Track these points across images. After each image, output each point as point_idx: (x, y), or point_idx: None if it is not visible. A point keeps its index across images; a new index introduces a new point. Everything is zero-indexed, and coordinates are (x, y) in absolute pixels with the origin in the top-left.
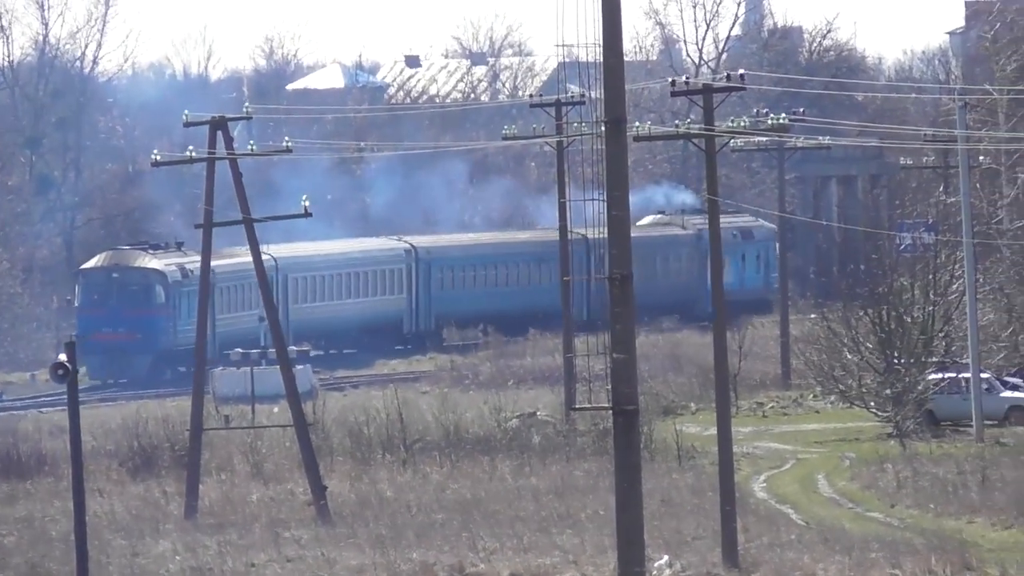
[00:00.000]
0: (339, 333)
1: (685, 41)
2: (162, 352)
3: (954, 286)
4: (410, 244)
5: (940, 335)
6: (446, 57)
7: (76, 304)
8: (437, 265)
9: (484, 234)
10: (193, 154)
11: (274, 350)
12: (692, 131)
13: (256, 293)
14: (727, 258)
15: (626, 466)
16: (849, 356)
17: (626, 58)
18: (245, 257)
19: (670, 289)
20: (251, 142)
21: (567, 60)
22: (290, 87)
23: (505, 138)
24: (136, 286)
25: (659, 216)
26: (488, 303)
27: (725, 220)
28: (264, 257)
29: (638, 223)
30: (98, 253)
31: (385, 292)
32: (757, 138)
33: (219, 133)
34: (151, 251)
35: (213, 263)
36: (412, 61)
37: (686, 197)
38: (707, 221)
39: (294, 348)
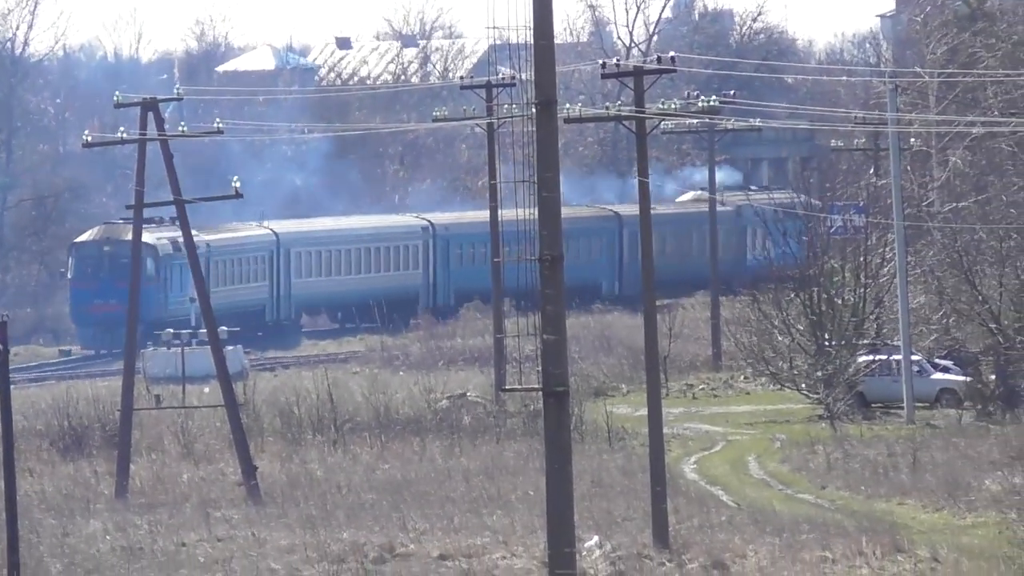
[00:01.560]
0: (350, 307)
1: (616, 23)
2: (153, 322)
3: (885, 269)
4: (428, 221)
5: (871, 317)
6: (377, 39)
7: (69, 276)
8: (456, 241)
9: (505, 211)
10: (124, 135)
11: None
12: (623, 113)
13: (254, 266)
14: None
15: (556, 447)
16: (780, 338)
17: (557, 40)
18: (242, 231)
19: (708, 263)
20: (182, 123)
21: (498, 42)
22: (220, 69)
23: (436, 120)
24: (127, 259)
25: (699, 192)
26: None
27: (768, 196)
28: (264, 231)
29: (677, 199)
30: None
31: (400, 268)
32: (688, 120)
33: (150, 114)
34: (144, 225)
35: (209, 237)
36: (343, 43)
37: (735, 176)
38: (748, 197)
39: (224, 329)
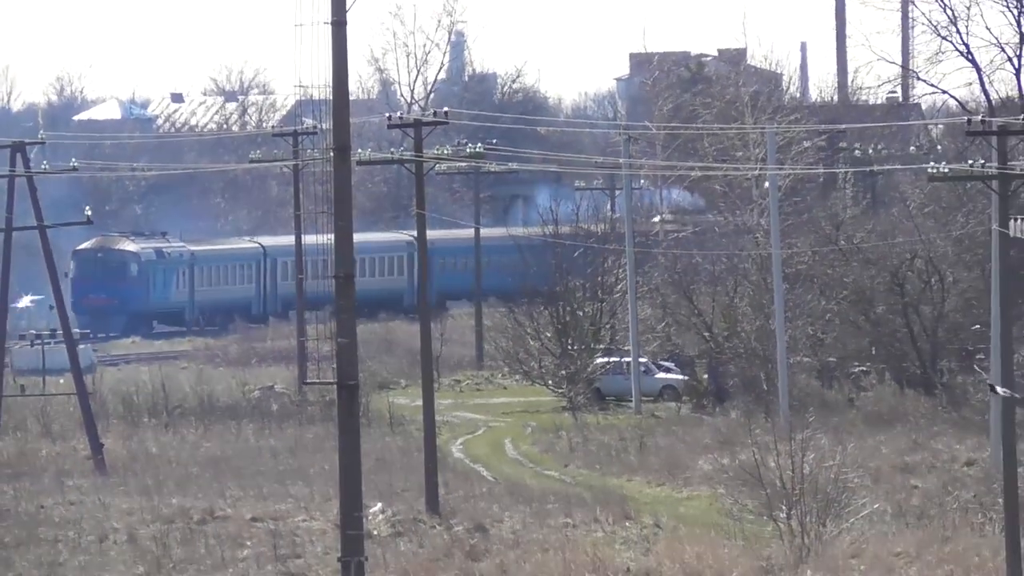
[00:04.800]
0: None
1: (400, 83)
2: (135, 313)
3: (618, 286)
4: (411, 237)
5: (607, 326)
6: (204, 94)
7: (71, 277)
8: (439, 254)
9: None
10: None
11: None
12: (405, 157)
13: (240, 271)
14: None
15: (347, 431)
16: (532, 343)
17: (351, 97)
18: (230, 244)
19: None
20: (44, 163)
21: (303, 98)
22: (76, 118)
23: (252, 161)
24: (115, 263)
25: (665, 216)
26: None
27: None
28: (253, 245)
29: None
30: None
31: (385, 274)
32: (458, 164)
33: (18, 155)
34: (132, 237)
35: (194, 248)
36: (177, 97)
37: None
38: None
39: (78, 331)
